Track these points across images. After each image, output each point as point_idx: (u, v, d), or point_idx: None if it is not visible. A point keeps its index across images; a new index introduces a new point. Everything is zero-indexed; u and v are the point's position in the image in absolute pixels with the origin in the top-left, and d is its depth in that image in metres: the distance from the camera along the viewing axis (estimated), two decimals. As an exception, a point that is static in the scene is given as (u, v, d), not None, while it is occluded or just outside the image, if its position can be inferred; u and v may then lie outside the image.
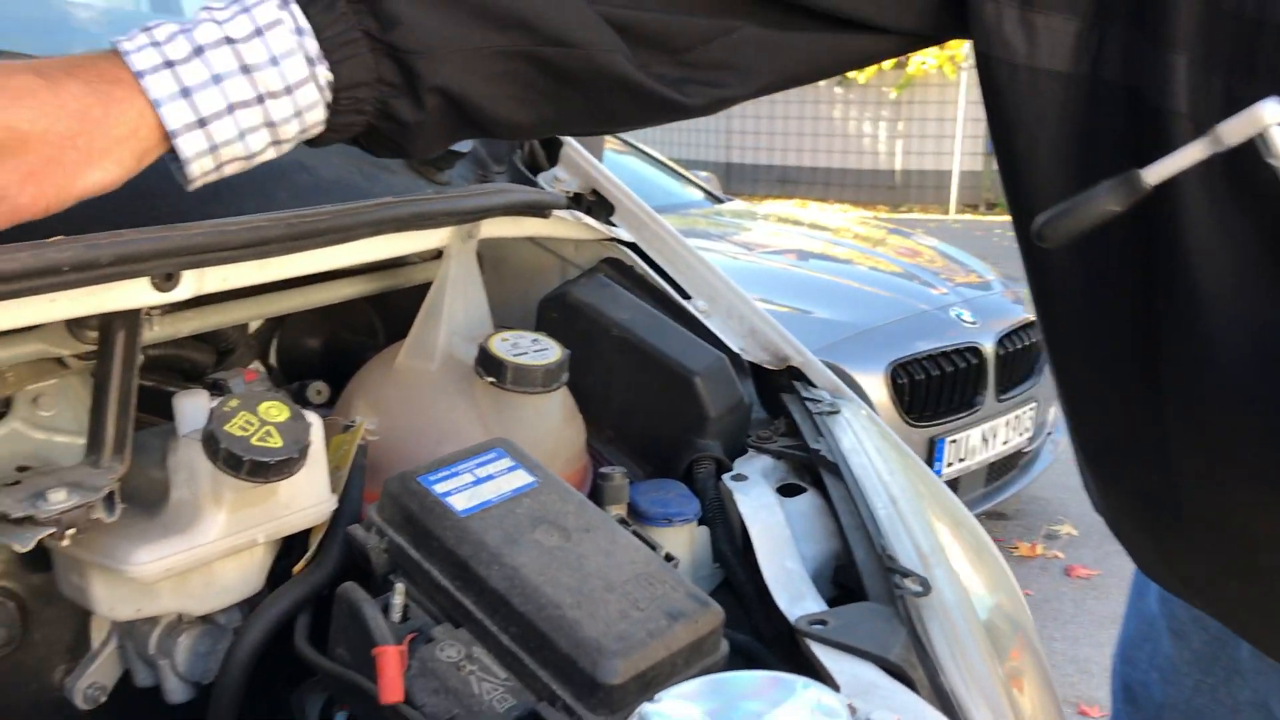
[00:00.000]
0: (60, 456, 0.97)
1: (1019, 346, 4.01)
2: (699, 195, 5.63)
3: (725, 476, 1.12)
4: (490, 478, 0.96)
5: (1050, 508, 4.61)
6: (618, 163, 5.58)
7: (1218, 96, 0.74)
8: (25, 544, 0.80)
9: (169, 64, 0.71)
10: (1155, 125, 0.76)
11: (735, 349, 1.24)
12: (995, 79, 0.83)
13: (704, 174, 6.02)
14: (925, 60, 11.99)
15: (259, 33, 0.72)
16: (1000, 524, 4.50)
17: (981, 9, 0.82)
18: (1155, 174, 0.71)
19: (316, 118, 0.76)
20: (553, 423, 1.13)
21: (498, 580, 0.87)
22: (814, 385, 1.25)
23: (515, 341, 1.11)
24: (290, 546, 1.05)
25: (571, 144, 1.41)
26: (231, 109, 0.73)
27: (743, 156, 13.82)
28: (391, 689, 0.82)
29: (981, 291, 4.32)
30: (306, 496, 0.95)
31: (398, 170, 1.20)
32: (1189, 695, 1.12)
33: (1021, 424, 4.06)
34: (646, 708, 0.70)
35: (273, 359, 1.32)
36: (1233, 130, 0.68)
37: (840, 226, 5.49)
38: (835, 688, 0.83)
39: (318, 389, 1.22)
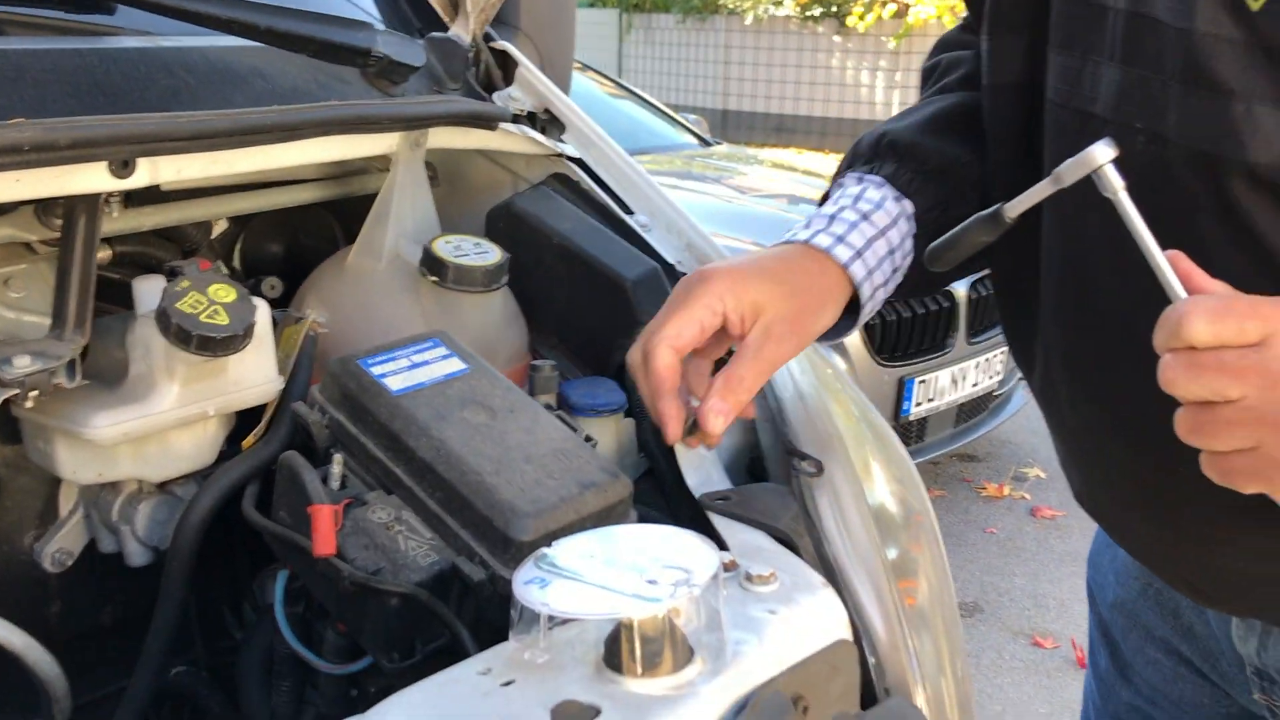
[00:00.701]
0: (29, 335, 1.05)
1: (993, 291, 4.07)
2: (689, 138, 5.68)
3: (652, 375, 1.20)
4: (425, 363, 1.04)
5: (1020, 451, 4.71)
6: (609, 105, 5.63)
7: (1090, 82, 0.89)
8: (-9, 402, 0.88)
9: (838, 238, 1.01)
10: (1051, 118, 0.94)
11: (672, 261, 1.31)
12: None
13: (692, 117, 6.06)
14: (925, 8, 11.93)
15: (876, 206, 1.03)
16: (970, 465, 4.61)
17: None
18: (1015, 209, 0.84)
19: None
20: (493, 321, 1.21)
21: (425, 451, 0.95)
22: (744, 295, 1.33)
23: (458, 244, 1.18)
24: (247, 428, 1.13)
25: (526, 64, 1.47)
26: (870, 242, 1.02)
27: (739, 104, 13.77)
28: (324, 542, 0.91)
29: (959, 237, 4.37)
30: (254, 376, 1.03)
31: (353, 82, 1.27)
32: (1135, 596, 1.20)
33: (992, 367, 4.15)
34: (541, 551, 0.79)
35: (236, 262, 1.40)
36: (1071, 170, 0.79)
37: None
38: (725, 549, 0.91)
39: (271, 283, 1.30)
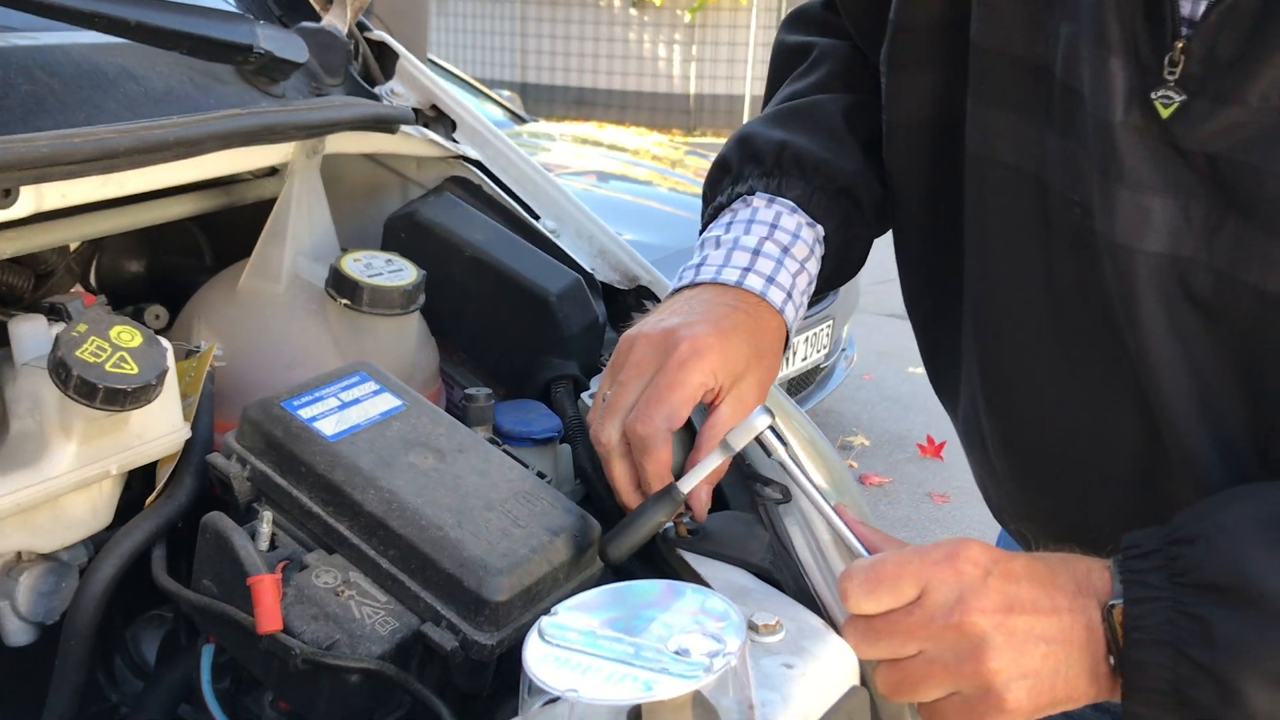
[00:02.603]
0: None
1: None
2: (500, 114, 5.54)
3: (584, 395, 1.13)
4: (356, 401, 0.94)
5: (845, 420, 4.84)
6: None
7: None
8: None
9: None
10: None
11: (587, 269, 1.24)
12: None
13: (507, 93, 5.93)
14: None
15: None
16: (799, 438, 4.70)
17: None
18: (688, 484, 0.86)
19: None
20: (409, 345, 1.11)
21: (374, 504, 0.85)
22: (663, 304, 1.27)
23: (369, 262, 1.08)
24: (129, 482, 1.00)
25: (408, 56, 1.36)
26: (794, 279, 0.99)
27: (539, 77, 13.63)
28: (270, 618, 0.80)
29: (781, 213, 4.43)
30: (160, 425, 0.90)
31: (230, 81, 1.13)
32: None
33: (819, 341, 4.23)
34: (544, 620, 0.71)
35: (93, 284, 1.24)
36: (738, 437, 0.85)
37: (638, 148, 5.53)
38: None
39: (155, 313, 1.16)
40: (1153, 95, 0.78)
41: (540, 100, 13.20)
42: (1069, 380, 0.90)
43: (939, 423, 4.67)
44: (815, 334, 4.18)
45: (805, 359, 4.15)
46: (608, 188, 4.53)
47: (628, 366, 0.91)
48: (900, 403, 4.95)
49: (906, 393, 4.99)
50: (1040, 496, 0.97)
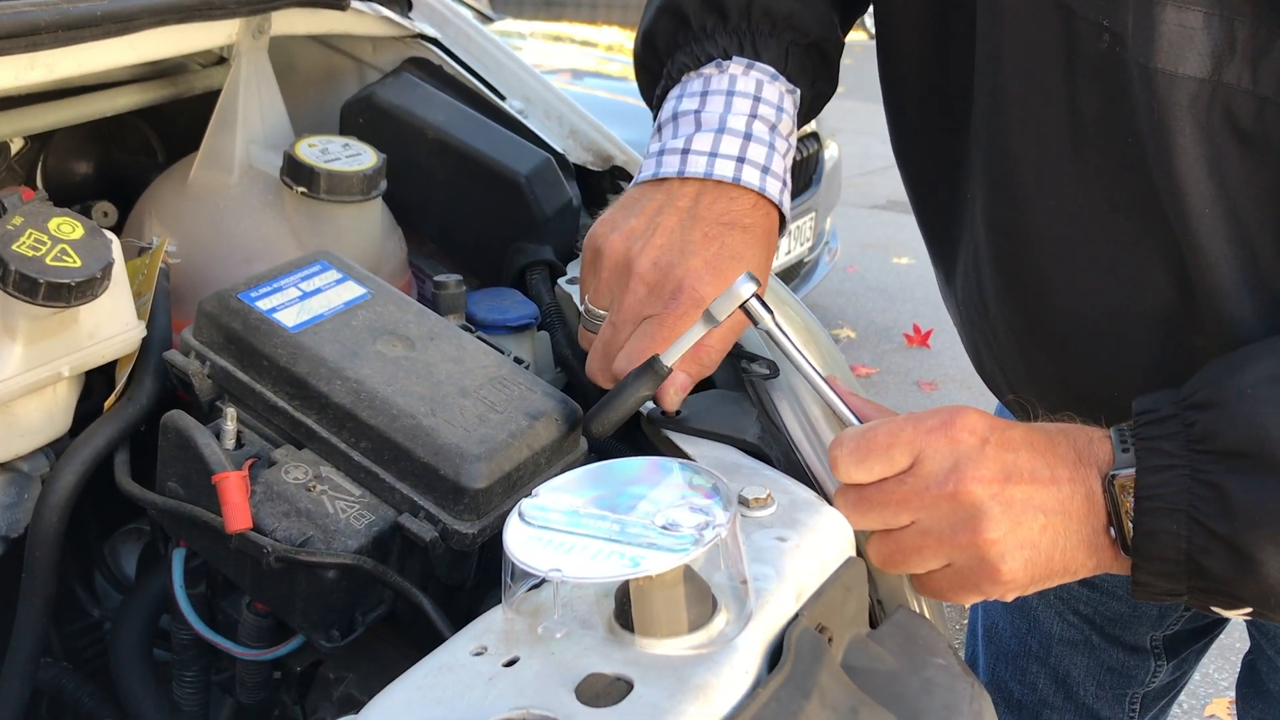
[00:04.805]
0: None
1: (797, 158, 4.08)
2: (466, 15, 5.38)
3: (560, 280, 1.09)
4: (318, 291, 0.89)
5: (830, 313, 4.81)
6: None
7: None
8: None
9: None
10: None
11: (558, 150, 1.18)
12: None
13: (471, -9, 5.76)
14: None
15: None
16: (784, 332, 4.67)
17: None
18: (671, 356, 0.81)
19: None
20: (373, 234, 1.06)
21: (342, 395, 0.81)
22: (639, 183, 1.22)
23: (325, 147, 1.02)
24: (89, 388, 0.96)
25: (357, -66, 1.28)
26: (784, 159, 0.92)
27: (505, -22, 13.29)
28: (238, 516, 0.77)
29: (759, 104, 4.34)
30: (112, 324, 0.86)
31: (167, -38, 1.06)
32: None
33: (802, 234, 4.17)
34: (524, 502, 0.68)
35: (39, 186, 1.18)
36: (721, 307, 0.79)
37: (612, 43, 5.39)
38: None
39: (104, 210, 1.10)
40: None
41: (509, 2, 12.87)
42: (1088, 226, 0.84)
43: (925, 312, 4.67)
44: (798, 227, 4.12)
45: (789, 253, 4.10)
46: (583, 85, 4.41)
47: (623, 308, 0.85)
48: (885, 294, 4.92)
49: (891, 283, 4.96)
50: (1049, 359, 0.93)
